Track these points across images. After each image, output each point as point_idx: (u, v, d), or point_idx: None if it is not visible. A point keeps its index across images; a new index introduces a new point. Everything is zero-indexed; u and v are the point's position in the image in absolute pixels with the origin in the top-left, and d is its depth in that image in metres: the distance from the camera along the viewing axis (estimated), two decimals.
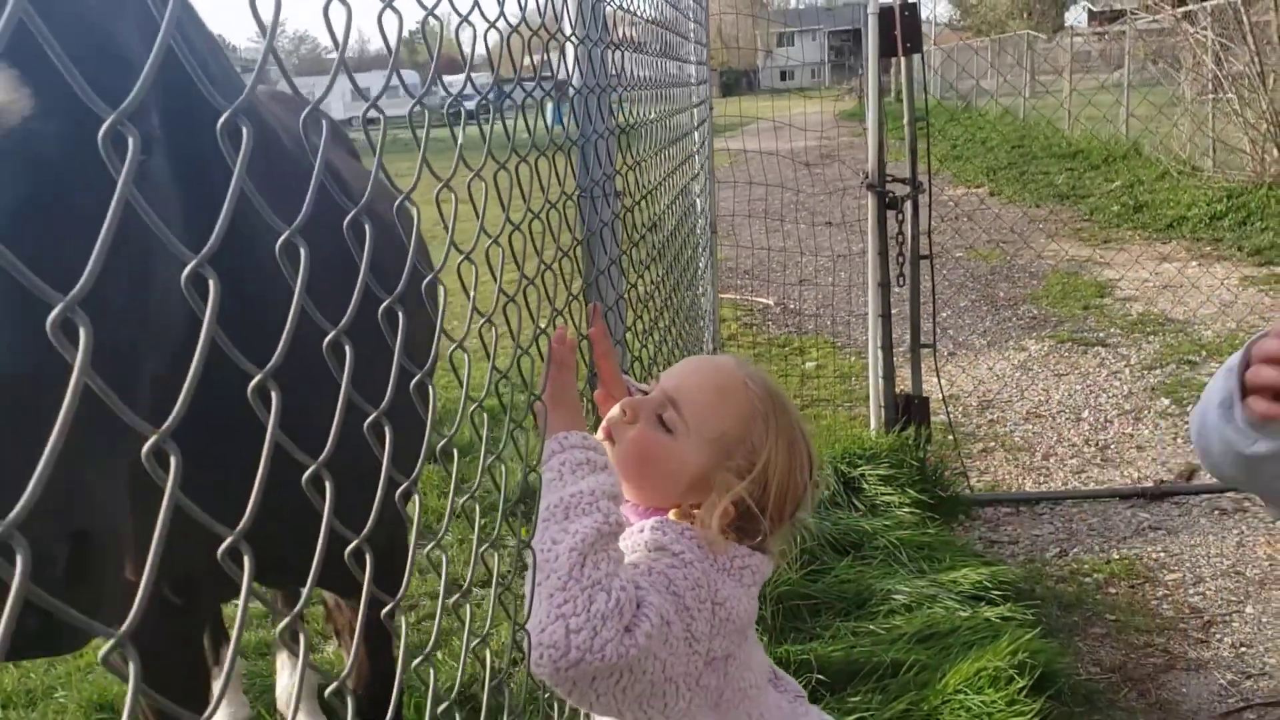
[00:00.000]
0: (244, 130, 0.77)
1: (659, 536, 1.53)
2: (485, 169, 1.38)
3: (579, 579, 1.34)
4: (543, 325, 1.59)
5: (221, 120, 0.77)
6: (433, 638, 1.24)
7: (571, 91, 1.95)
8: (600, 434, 1.64)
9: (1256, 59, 13.14)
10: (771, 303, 9.89)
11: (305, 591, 0.93)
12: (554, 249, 1.68)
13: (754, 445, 1.60)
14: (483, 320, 1.34)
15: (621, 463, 1.59)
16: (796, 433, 1.65)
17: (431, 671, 1.16)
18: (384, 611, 1.03)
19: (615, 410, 1.65)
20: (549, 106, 1.65)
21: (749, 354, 8.41)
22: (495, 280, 1.36)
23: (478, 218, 1.29)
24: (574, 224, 1.86)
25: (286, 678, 3.87)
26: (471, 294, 1.36)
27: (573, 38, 1.89)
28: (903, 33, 5.11)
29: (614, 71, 2.17)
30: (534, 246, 1.53)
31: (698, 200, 4.71)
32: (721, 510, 1.53)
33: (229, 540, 0.72)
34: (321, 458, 0.88)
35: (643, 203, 2.55)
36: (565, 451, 1.46)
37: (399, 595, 1.07)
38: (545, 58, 1.70)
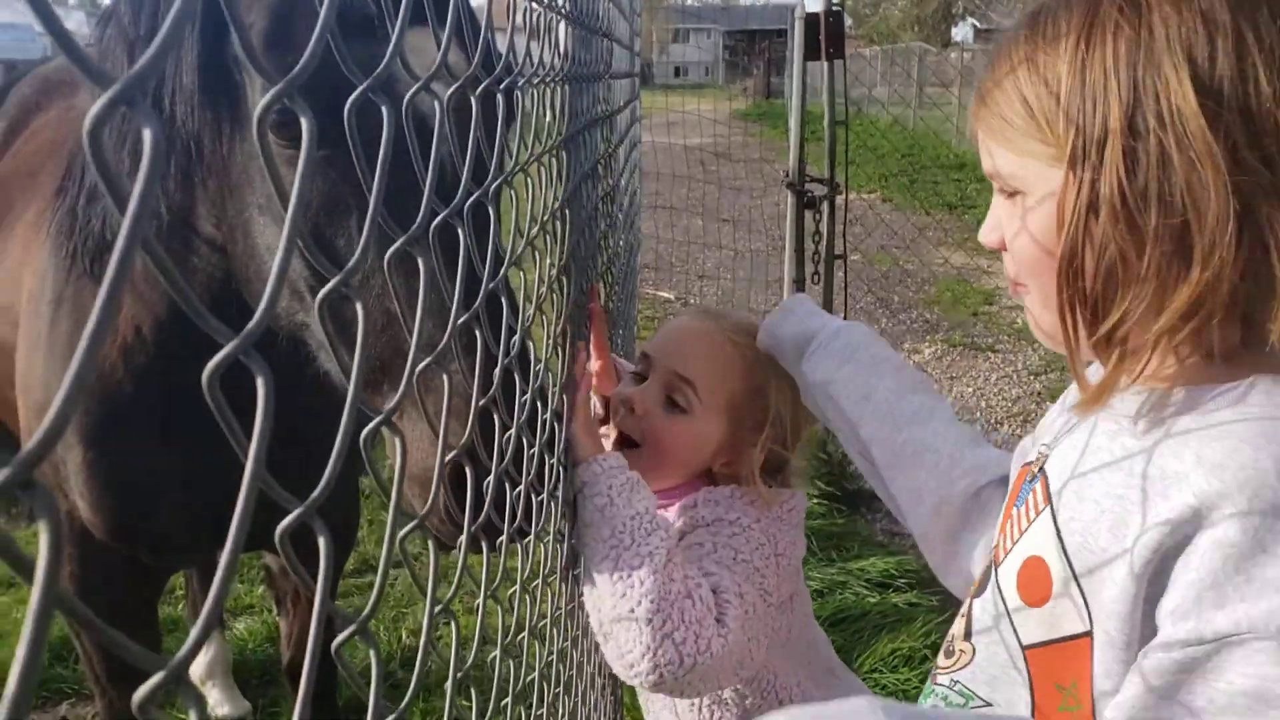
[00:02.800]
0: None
1: (714, 509, 1.58)
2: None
3: (667, 596, 1.36)
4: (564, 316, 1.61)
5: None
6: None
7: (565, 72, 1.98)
8: (611, 444, 1.67)
9: None
10: (672, 296, 10.01)
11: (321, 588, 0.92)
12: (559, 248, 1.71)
13: (761, 392, 1.66)
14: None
15: (648, 456, 1.62)
16: None
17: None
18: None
19: (621, 411, 1.69)
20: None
21: None
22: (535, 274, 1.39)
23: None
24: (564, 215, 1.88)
25: (202, 652, 3.81)
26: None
27: (562, 10, 1.88)
28: (827, 38, 5.25)
29: (603, 58, 2.22)
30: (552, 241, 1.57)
31: (631, 193, 4.79)
32: (758, 466, 1.59)
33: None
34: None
35: (614, 189, 2.60)
36: (608, 474, 1.44)
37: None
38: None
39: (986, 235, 1.15)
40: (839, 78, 5.45)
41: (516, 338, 1.13)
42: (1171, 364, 1.05)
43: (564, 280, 1.43)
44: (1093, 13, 1.00)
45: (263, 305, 0.45)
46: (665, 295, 10.09)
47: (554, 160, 1.35)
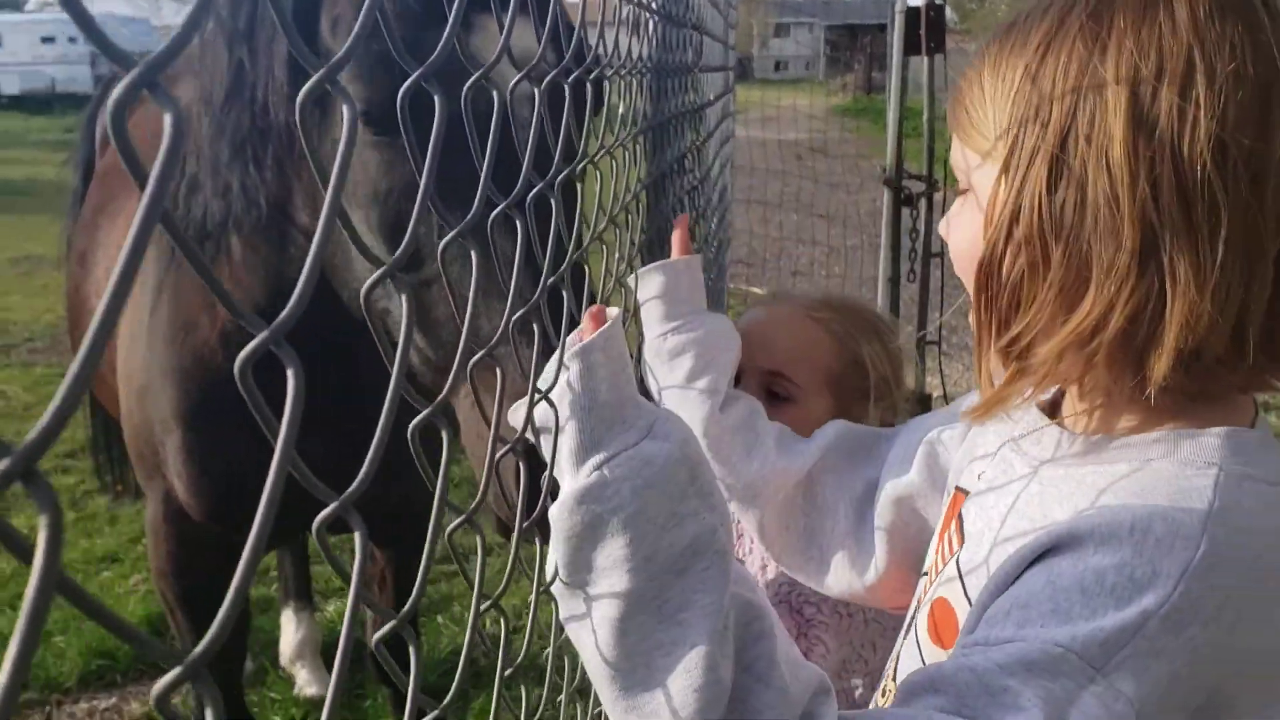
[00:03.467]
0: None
1: None
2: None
3: None
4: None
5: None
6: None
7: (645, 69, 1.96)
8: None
9: None
10: (764, 293, 9.93)
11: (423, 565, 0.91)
12: (630, 244, 1.69)
13: (856, 361, 1.62)
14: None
15: None
16: (869, 317, 1.69)
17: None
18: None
19: None
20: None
21: None
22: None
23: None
24: (642, 203, 1.86)
25: (292, 633, 3.89)
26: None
27: (649, 6, 1.86)
28: (928, 32, 5.15)
29: (692, 50, 2.19)
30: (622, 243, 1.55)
31: (721, 188, 4.76)
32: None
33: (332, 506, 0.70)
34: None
35: (703, 183, 2.57)
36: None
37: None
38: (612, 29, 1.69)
39: (941, 228, 1.14)
40: (939, 72, 5.34)
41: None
42: (1086, 405, 1.03)
43: (634, 272, 1.41)
44: (1059, 24, 0.97)
45: (295, 294, 0.44)
46: (758, 291, 10.01)
47: (626, 154, 1.34)
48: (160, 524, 2.24)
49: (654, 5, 1.87)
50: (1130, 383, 0.95)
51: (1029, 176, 0.95)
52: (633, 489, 0.85)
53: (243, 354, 0.44)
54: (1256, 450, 0.94)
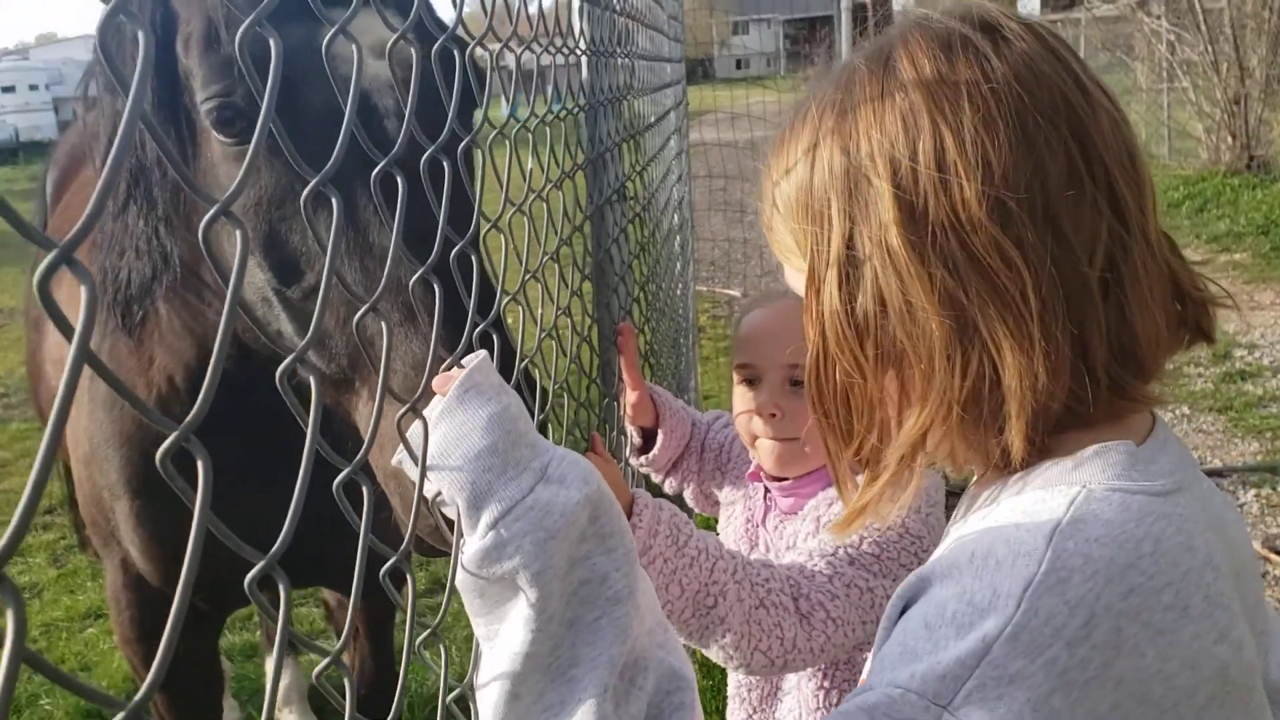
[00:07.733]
0: None
1: None
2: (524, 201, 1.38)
3: (741, 615, 1.42)
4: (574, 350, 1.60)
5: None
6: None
7: (583, 102, 1.96)
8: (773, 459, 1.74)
9: (1210, 47, 13.35)
10: (739, 294, 9.96)
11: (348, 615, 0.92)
12: (575, 272, 1.70)
13: None
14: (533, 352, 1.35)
15: (808, 443, 1.70)
16: None
17: (443, 653, 1.07)
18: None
19: (758, 422, 1.73)
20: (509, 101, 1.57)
21: (718, 347, 8.51)
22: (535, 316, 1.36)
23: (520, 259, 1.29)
24: (588, 236, 1.87)
25: (282, 678, 3.87)
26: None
27: (584, 49, 1.89)
28: (876, 28, 5.17)
29: (623, 78, 2.19)
30: (563, 277, 1.56)
31: (677, 200, 4.75)
32: None
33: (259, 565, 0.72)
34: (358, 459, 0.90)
35: (648, 206, 2.57)
36: (671, 514, 1.47)
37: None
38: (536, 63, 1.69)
39: None
40: None
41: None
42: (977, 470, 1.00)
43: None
44: (816, 128, 0.94)
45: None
46: (731, 293, 10.04)
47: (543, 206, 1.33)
48: (120, 591, 2.22)
49: (580, 45, 1.87)
50: (997, 453, 0.92)
51: (826, 282, 0.93)
52: (535, 543, 0.83)
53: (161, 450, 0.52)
54: (1131, 462, 0.89)
